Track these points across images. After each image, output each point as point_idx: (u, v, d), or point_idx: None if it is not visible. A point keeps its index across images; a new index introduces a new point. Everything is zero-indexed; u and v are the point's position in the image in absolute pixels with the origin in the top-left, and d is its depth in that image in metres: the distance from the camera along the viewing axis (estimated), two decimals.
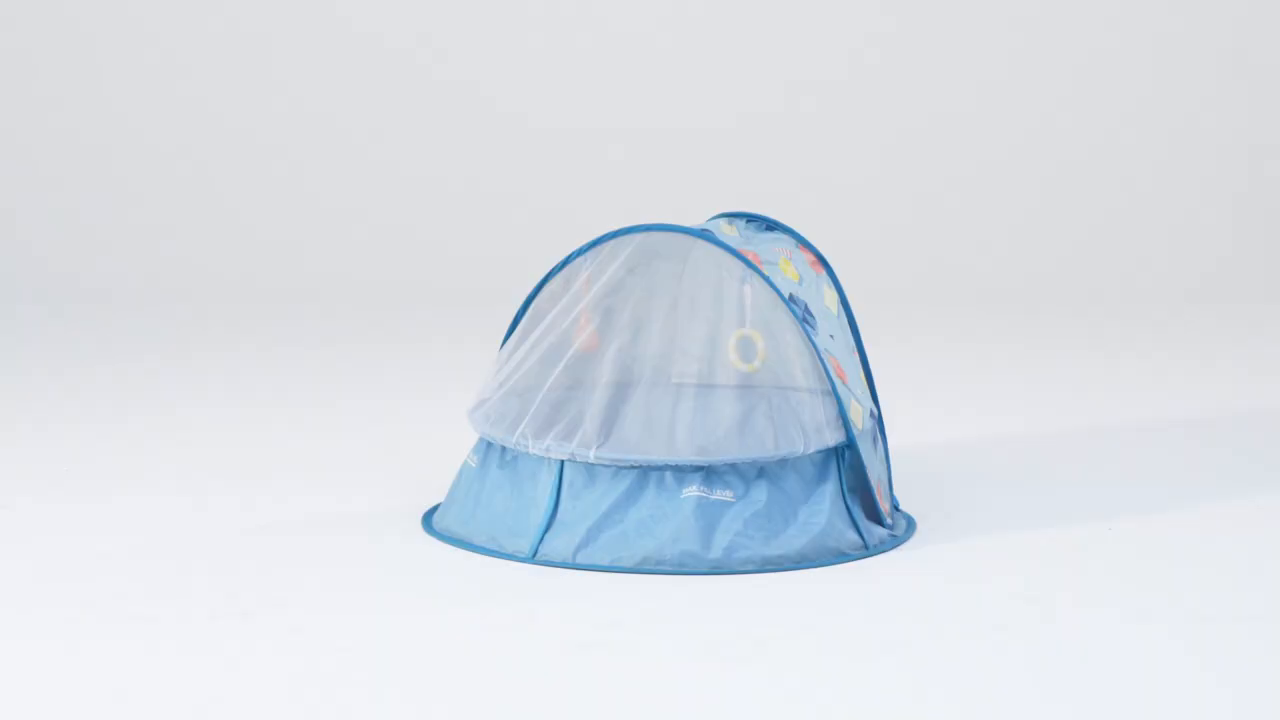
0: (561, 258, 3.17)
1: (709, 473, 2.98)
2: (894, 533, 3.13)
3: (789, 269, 3.13)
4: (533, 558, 3.00)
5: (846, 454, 3.05)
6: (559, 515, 3.01)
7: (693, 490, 2.97)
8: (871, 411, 3.13)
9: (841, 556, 3.02)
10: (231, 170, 5.58)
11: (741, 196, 4.92)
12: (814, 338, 3.06)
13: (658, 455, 3.02)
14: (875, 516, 3.10)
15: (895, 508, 3.23)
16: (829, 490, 3.03)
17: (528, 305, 3.18)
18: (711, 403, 3.16)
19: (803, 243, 3.23)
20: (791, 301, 3.07)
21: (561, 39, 5.64)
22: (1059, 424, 3.95)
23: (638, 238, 3.14)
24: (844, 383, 3.07)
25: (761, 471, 3.00)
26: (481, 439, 3.14)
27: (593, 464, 2.99)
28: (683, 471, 2.98)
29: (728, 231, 3.18)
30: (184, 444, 3.78)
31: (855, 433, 3.05)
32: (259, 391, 4.26)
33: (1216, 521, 3.26)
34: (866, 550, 3.05)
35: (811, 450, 3.02)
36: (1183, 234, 5.46)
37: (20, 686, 2.52)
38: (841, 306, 3.22)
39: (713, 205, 4.03)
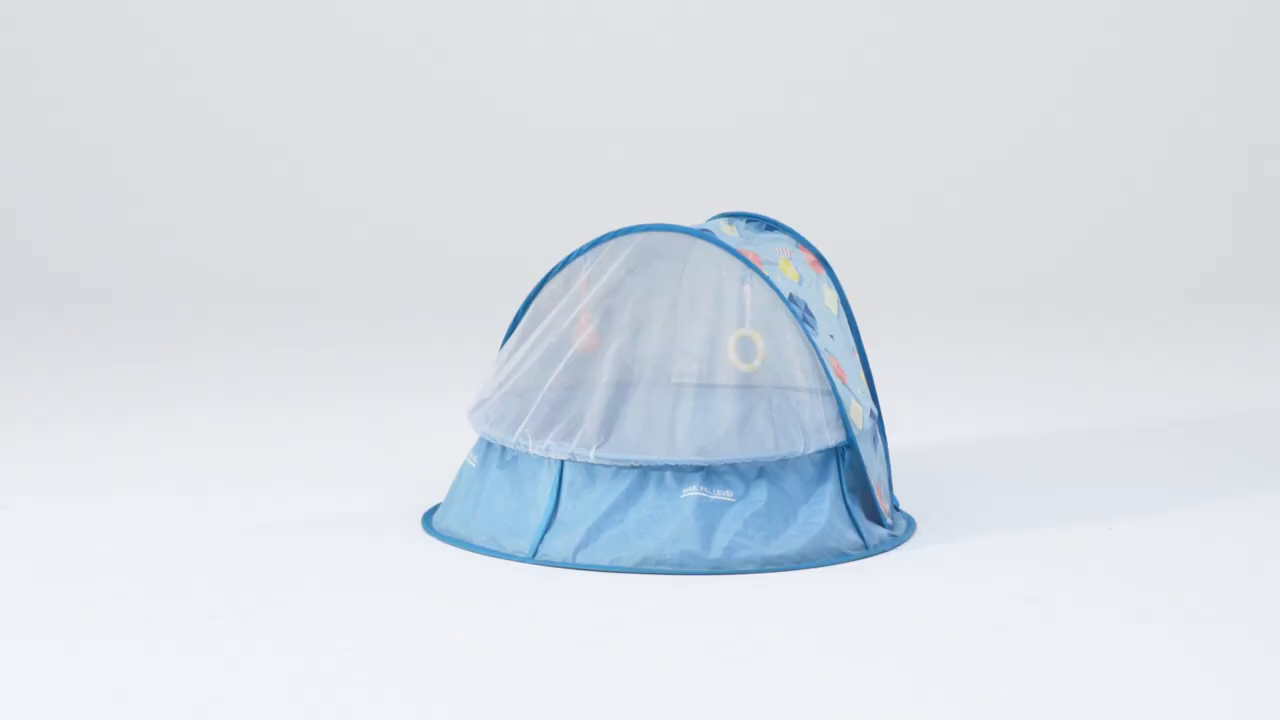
0: (561, 258, 3.17)
1: (709, 473, 2.98)
2: (894, 533, 3.13)
3: (789, 269, 3.13)
4: (533, 558, 3.00)
5: (846, 454, 3.05)
6: (559, 515, 3.01)
7: (693, 490, 2.97)
8: (871, 411, 3.13)
9: (841, 556, 3.02)
10: (231, 170, 5.58)
11: (741, 196, 4.92)
12: (814, 338, 3.06)
13: (658, 455, 3.02)
14: (875, 516, 3.10)
15: (895, 508, 3.23)
16: (829, 490, 3.03)
17: (528, 305, 3.18)
18: (711, 403, 3.16)
19: (803, 243, 3.23)
20: (791, 301, 3.07)
21: (561, 39, 5.64)
22: (1059, 424, 3.95)
23: (638, 238, 3.14)
24: (844, 383, 3.07)
25: (761, 471, 3.00)
26: (481, 439, 3.14)
27: (593, 464, 2.99)
28: (683, 471, 2.98)
29: (728, 231, 3.18)
30: (184, 444, 3.78)
31: (855, 433, 3.05)
32: (259, 391, 4.26)
33: (1216, 521, 3.26)
34: (866, 550, 3.05)
35: (811, 450, 3.02)
36: (1183, 234, 5.46)
37: (20, 686, 2.52)
38: (841, 306, 3.22)
39: (713, 205, 4.03)
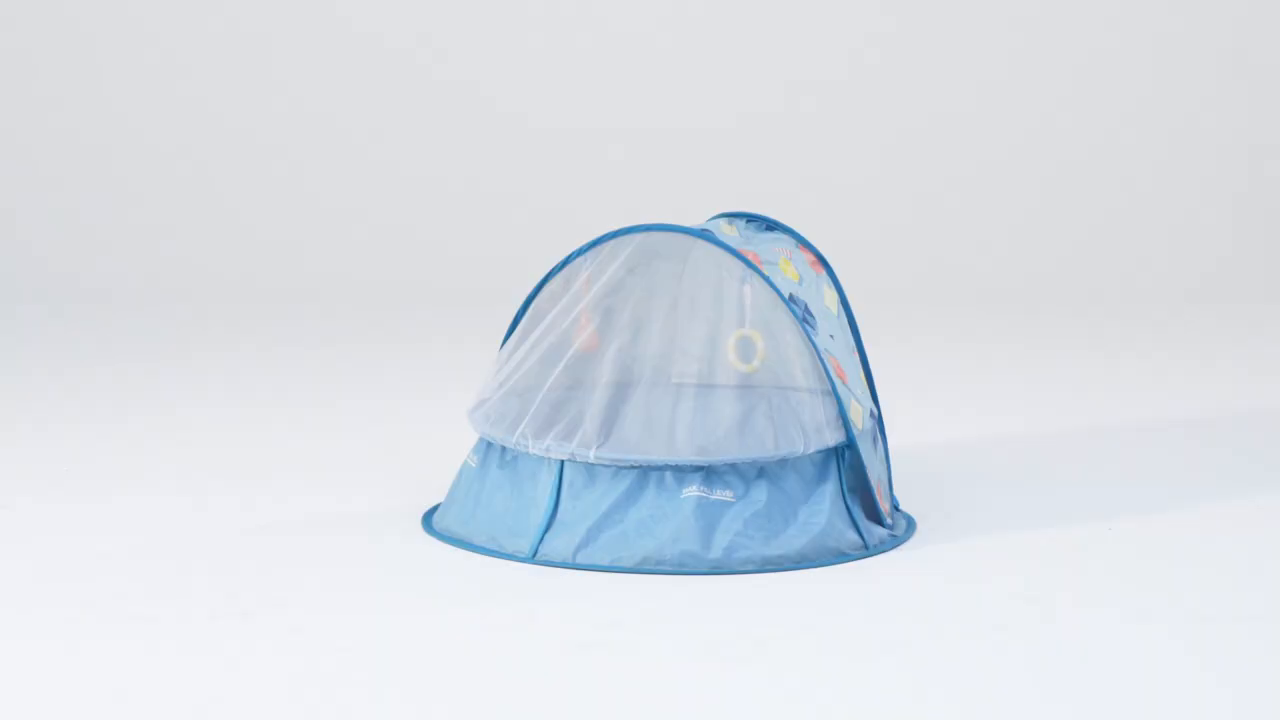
0: (561, 258, 3.17)
1: (709, 473, 2.98)
2: (894, 533, 3.13)
3: (789, 269, 3.13)
4: (533, 558, 3.00)
5: (846, 454, 3.05)
6: (559, 515, 3.01)
7: (693, 490, 2.97)
8: (871, 411, 3.13)
9: (841, 556, 3.02)
10: (231, 170, 5.58)
11: (741, 196, 4.92)
12: (814, 338, 3.06)
13: (658, 455, 3.02)
14: (875, 516, 3.10)
15: (895, 508, 3.23)
16: (829, 490, 3.03)
17: (528, 305, 3.18)
18: (711, 403, 3.16)
19: (803, 243, 3.23)
20: (791, 301, 3.07)
21: (561, 39, 5.64)
22: (1059, 424, 3.95)
23: (638, 238, 3.14)
24: (844, 383, 3.07)
25: (761, 471, 3.00)
26: (481, 439, 3.14)
27: (593, 464, 2.99)
28: (683, 471, 2.98)
29: (728, 231, 3.18)
30: (184, 444, 3.78)
31: (855, 433, 3.05)
32: (259, 391, 4.26)
33: (1216, 521, 3.26)
34: (866, 550, 3.05)
35: (811, 450, 3.02)
36: (1183, 234, 5.46)
37: (20, 686, 2.52)
38: (841, 306, 3.22)
39: (713, 205, 4.03)
